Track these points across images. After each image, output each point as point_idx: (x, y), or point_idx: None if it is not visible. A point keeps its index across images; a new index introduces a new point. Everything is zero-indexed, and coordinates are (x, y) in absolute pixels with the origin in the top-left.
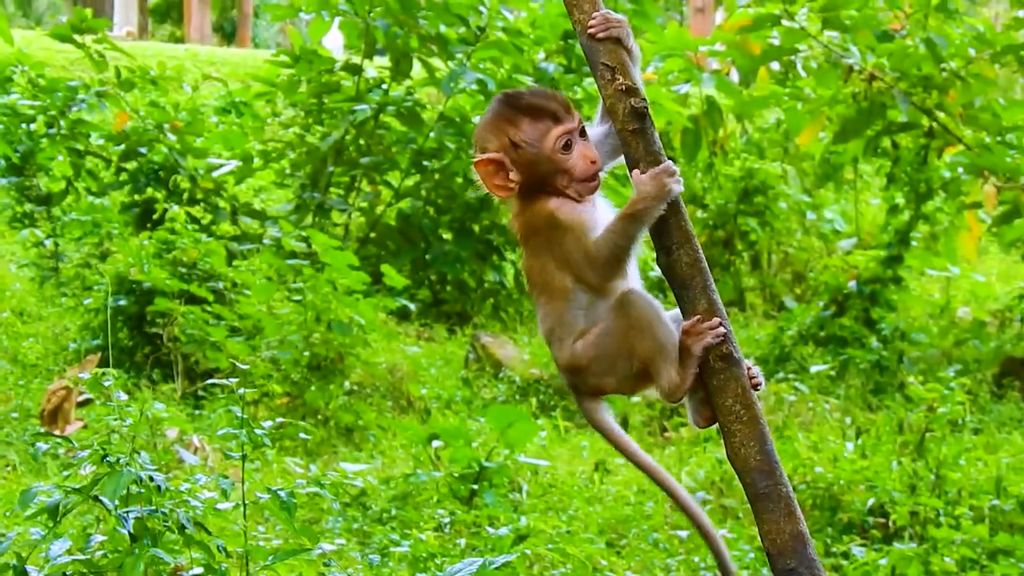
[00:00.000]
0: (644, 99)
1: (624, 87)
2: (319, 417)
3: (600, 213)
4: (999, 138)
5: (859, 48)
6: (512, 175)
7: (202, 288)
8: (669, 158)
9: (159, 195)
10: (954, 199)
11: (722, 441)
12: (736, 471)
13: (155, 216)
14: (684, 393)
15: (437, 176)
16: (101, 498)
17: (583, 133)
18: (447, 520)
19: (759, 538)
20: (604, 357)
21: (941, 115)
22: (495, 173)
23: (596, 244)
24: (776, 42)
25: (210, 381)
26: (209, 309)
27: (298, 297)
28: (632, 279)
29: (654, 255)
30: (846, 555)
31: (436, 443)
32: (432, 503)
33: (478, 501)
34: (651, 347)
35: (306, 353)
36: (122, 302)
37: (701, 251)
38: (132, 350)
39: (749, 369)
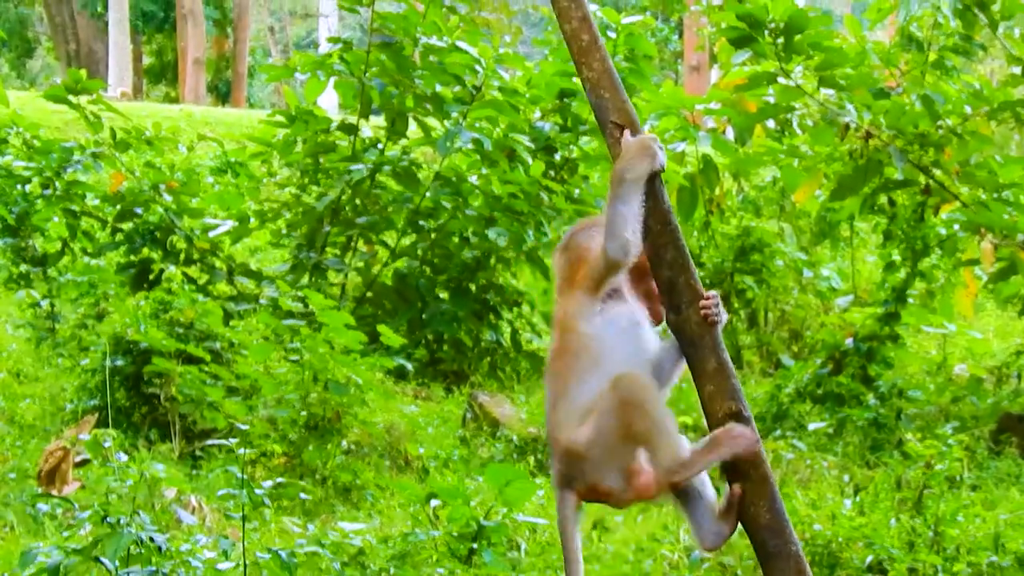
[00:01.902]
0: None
1: None
2: (317, 476)
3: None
4: (996, 195)
5: (855, 106)
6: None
7: (199, 348)
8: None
9: (155, 255)
10: (951, 256)
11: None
12: (745, 530)
13: (151, 276)
14: (686, 476)
15: (433, 235)
16: (102, 559)
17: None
18: None
19: None
20: (603, 442)
21: (937, 172)
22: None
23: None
24: (772, 100)
25: (209, 442)
26: (206, 369)
27: (295, 357)
28: (644, 340)
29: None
30: None
31: (434, 502)
32: (431, 562)
33: (477, 560)
34: (647, 425)
35: (303, 413)
36: (119, 362)
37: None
38: (129, 410)
39: (710, 298)
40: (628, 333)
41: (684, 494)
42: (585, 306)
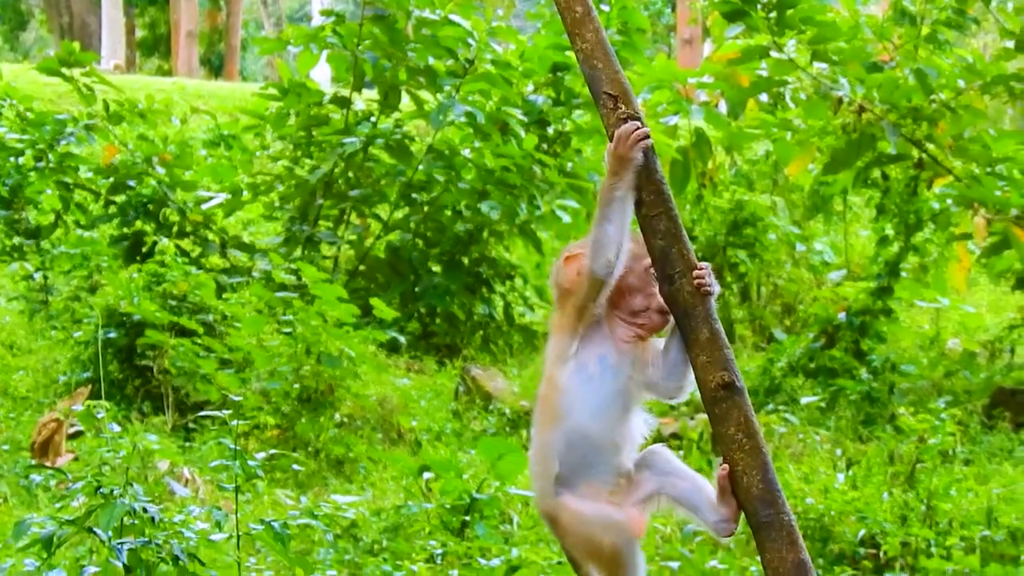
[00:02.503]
0: (646, 127)
1: (626, 116)
2: (310, 449)
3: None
4: (988, 169)
5: (848, 79)
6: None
7: (192, 321)
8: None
9: (148, 228)
10: (944, 230)
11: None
12: (737, 499)
13: (144, 249)
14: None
15: (426, 209)
16: (95, 529)
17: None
18: (439, 551)
19: (762, 566)
20: (575, 541)
21: (930, 146)
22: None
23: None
24: (765, 74)
25: (201, 413)
26: (199, 341)
27: (288, 329)
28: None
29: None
30: None
31: (427, 475)
32: (423, 535)
33: (469, 532)
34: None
35: (296, 385)
36: (112, 335)
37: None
38: (122, 382)
39: (702, 268)
40: (594, 381)
41: (680, 499)
42: (562, 348)
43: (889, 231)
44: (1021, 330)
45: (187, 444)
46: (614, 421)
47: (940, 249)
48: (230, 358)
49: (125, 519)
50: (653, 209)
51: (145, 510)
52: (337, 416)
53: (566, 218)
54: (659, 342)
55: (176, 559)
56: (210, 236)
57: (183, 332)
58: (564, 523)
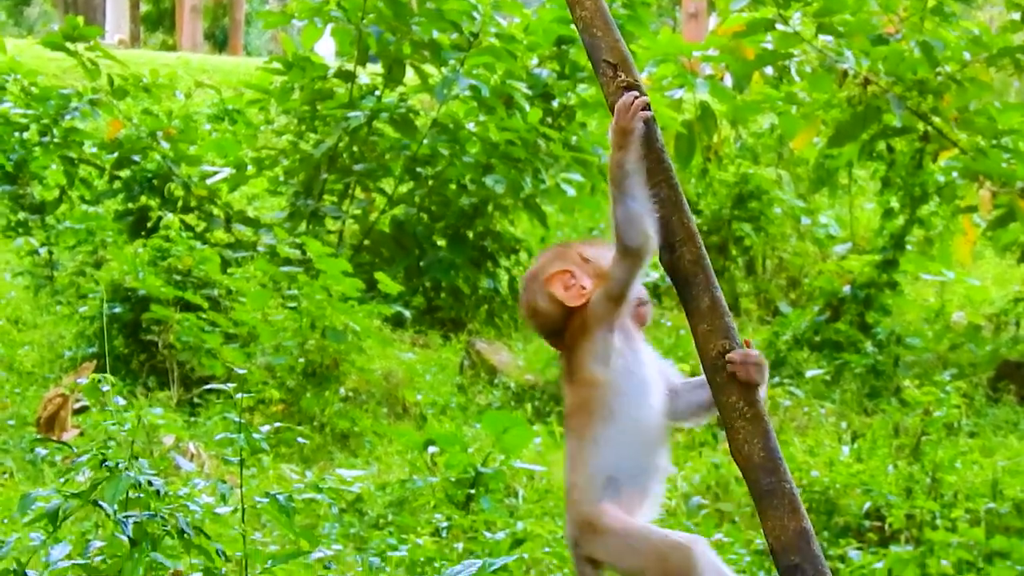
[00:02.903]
0: (646, 96)
1: (626, 84)
2: (315, 424)
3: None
4: (994, 142)
5: (854, 52)
6: (584, 282)
7: (197, 295)
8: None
9: (153, 203)
10: (949, 203)
11: (725, 439)
12: (740, 468)
13: (149, 224)
14: None
15: (431, 183)
16: (100, 503)
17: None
18: (444, 525)
19: (764, 535)
20: (625, 559)
21: (936, 119)
22: (568, 284)
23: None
24: (770, 47)
25: (207, 387)
26: (204, 316)
27: (293, 304)
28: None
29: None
30: (843, 558)
31: (432, 449)
32: (428, 508)
33: (474, 506)
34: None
35: (301, 360)
36: (117, 310)
37: (704, 248)
38: (128, 357)
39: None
40: (640, 375)
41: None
42: (600, 346)
43: (894, 204)
44: None
45: (192, 419)
46: (662, 416)
47: (945, 222)
48: (235, 333)
49: (130, 492)
50: (653, 177)
51: (150, 483)
52: (342, 390)
53: (571, 191)
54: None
55: (181, 532)
56: (215, 211)
57: (188, 307)
58: (607, 538)
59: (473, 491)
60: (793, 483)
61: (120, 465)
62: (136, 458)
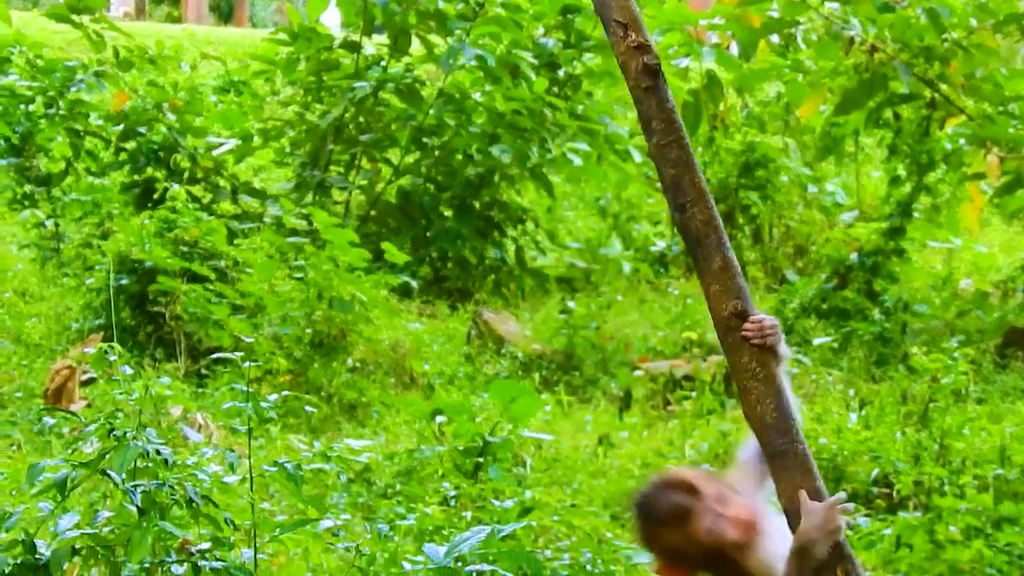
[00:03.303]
0: (656, 56)
1: (636, 44)
2: (322, 394)
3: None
4: (1001, 108)
5: (860, 19)
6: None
7: (204, 267)
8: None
9: (159, 175)
10: (956, 170)
11: (733, 408)
12: (752, 429)
13: (155, 196)
14: None
15: (437, 153)
16: (108, 472)
17: (721, 499)
18: (452, 494)
19: (776, 496)
20: None
21: (943, 86)
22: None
23: None
24: (776, 14)
25: (214, 357)
26: (211, 287)
27: (299, 275)
28: None
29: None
30: (851, 526)
31: (440, 418)
32: (436, 477)
33: (482, 475)
34: None
35: (308, 330)
36: (124, 281)
37: (715, 209)
38: (135, 329)
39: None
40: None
41: None
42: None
43: (901, 171)
44: None
45: (200, 390)
46: None
47: (952, 189)
48: (242, 304)
49: (138, 462)
50: (664, 138)
51: (158, 452)
52: (349, 361)
53: (577, 161)
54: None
55: (190, 501)
56: (221, 182)
57: (195, 278)
58: None
59: (481, 460)
60: (805, 444)
61: (128, 435)
62: (144, 428)
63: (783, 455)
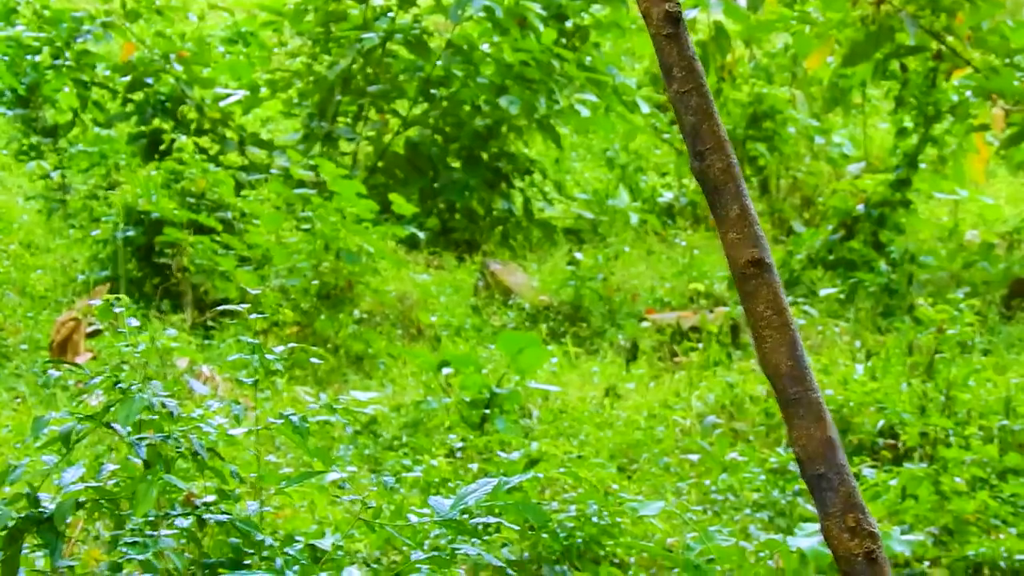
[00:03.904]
0: (678, 4)
1: None
2: (329, 346)
3: None
4: (1007, 60)
5: None
6: None
7: (211, 218)
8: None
9: (166, 126)
10: (962, 122)
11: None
12: (767, 376)
13: (162, 147)
14: None
15: (445, 104)
16: (114, 424)
17: None
18: (459, 446)
19: (789, 444)
20: None
21: (949, 38)
22: None
23: None
24: None
25: (220, 308)
26: (218, 239)
27: (307, 226)
28: None
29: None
30: (857, 476)
31: (446, 370)
32: (443, 429)
33: (489, 427)
34: None
35: (315, 282)
36: (130, 233)
37: (734, 157)
38: (141, 281)
39: None
40: None
41: None
42: None
43: (908, 123)
44: None
45: (206, 342)
46: None
47: (958, 140)
48: (249, 255)
49: (144, 415)
50: (684, 85)
51: (164, 405)
52: (356, 312)
53: (584, 112)
54: None
55: (195, 454)
56: (228, 133)
57: (202, 230)
58: None
59: (488, 412)
60: (819, 393)
61: (133, 387)
62: (149, 380)
63: (797, 403)
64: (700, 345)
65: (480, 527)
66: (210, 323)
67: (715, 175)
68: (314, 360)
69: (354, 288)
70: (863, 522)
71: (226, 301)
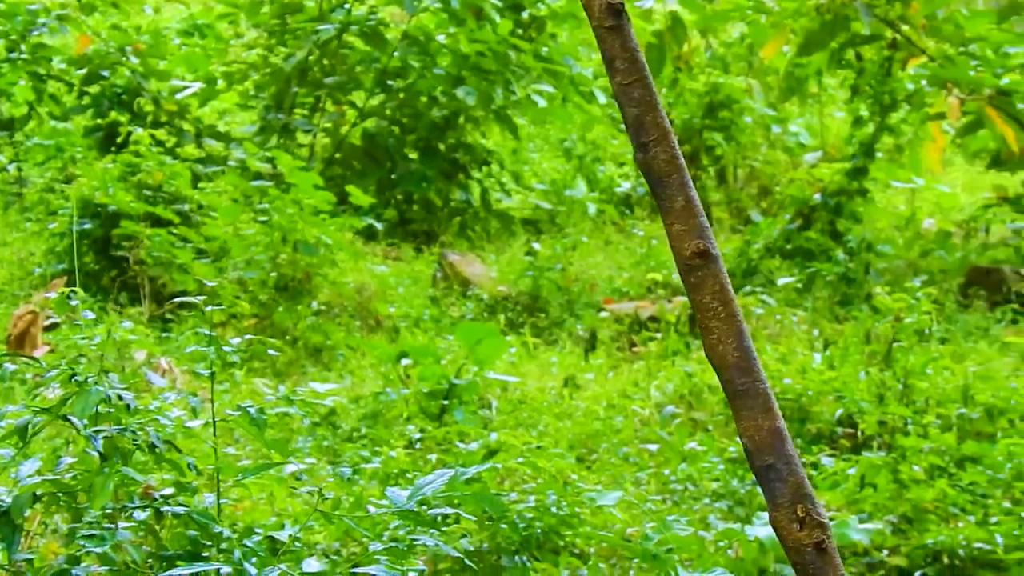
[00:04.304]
0: None
1: None
2: (287, 338)
3: None
4: (962, 49)
5: None
6: None
7: (168, 211)
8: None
9: (123, 118)
10: (918, 111)
11: (698, 347)
12: (714, 368)
13: (119, 139)
14: None
15: (402, 95)
16: (70, 417)
17: None
18: (417, 437)
19: (738, 436)
20: None
21: (904, 27)
22: None
23: None
24: None
25: (177, 299)
26: (175, 231)
27: (264, 218)
28: None
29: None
30: (815, 465)
31: (405, 361)
32: (402, 420)
33: (448, 418)
34: None
35: (273, 274)
36: (87, 225)
37: (678, 148)
38: (98, 274)
39: None
40: None
41: None
42: None
43: (864, 112)
44: (996, 209)
45: (164, 335)
46: None
47: (915, 129)
48: (206, 248)
49: (101, 408)
50: (627, 77)
51: (120, 397)
52: (314, 304)
53: (542, 102)
54: None
55: (152, 447)
56: (185, 126)
57: (159, 222)
58: None
59: (446, 403)
60: (767, 383)
61: (90, 380)
62: (106, 373)
63: (744, 394)
64: (659, 335)
65: (439, 518)
66: (168, 316)
67: (659, 167)
68: (272, 352)
69: (312, 280)
70: (812, 512)
71: (184, 294)
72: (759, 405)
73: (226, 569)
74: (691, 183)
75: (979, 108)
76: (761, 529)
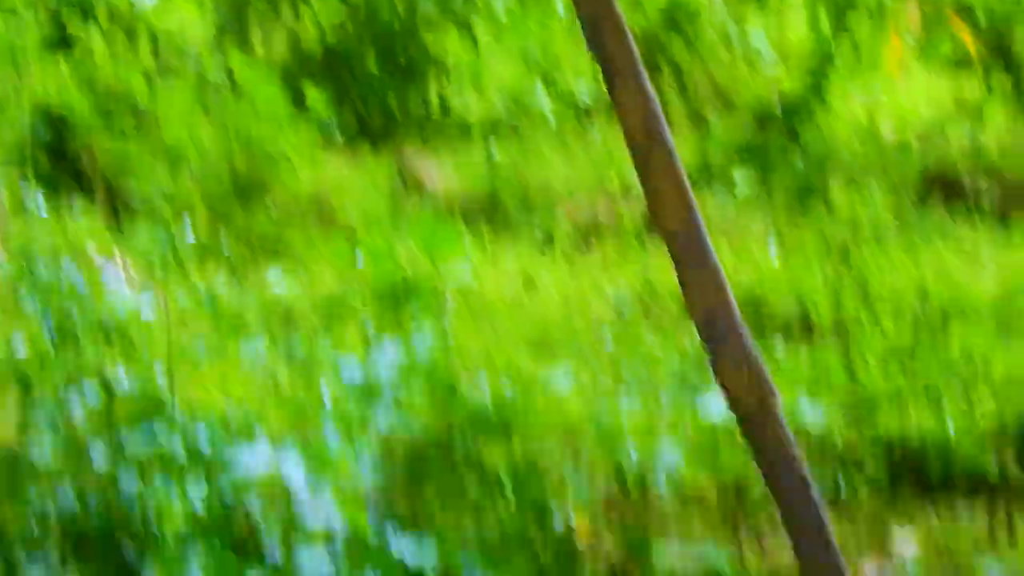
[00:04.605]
0: None
1: None
2: (243, 239)
3: None
4: None
5: None
6: None
7: (122, 116)
8: None
9: (77, 24)
10: (878, 17)
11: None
12: (663, 238)
13: (74, 45)
14: None
15: (359, 1)
16: (24, 300)
17: None
18: (373, 333)
19: (687, 309)
20: None
21: None
22: None
23: None
24: None
25: (134, 202)
26: (130, 136)
27: (219, 122)
28: None
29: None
30: (769, 356)
31: (361, 260)
32: (358, 318)
33: (403, 313)
34: None
35: (229, 176)
36: (41, 133)
37: (630, 35)
38: (54, 179)
39: None
40: None
41: None
42: None
43: (823, 18)
44: (954, 117)
45: (119, 236)
46: None
47: (874, 36)
48: (161, 153)
49: (54, 293)
50: None
51: (72, 282)
52: (271, 205)
53: (500, 8)
54: None
55: (105, 331)
56: (139, 29)
57: (113, 128)
58: None
59: (402, 299)
60: (716, 258)
61: (42, 267)
62: (60, 258)
63: (693, 263)
64: (616, 237)
65: (392, 398)
66: (123, 218)
67: (611, 48)
68: (227, 253)
69: (268, 182)
70: (759, 378)
71: (139, 197)
72: (707, 276)
73: (180, 449)
74: (643, 70)
75: (939, 14)
76: (712, 400)
